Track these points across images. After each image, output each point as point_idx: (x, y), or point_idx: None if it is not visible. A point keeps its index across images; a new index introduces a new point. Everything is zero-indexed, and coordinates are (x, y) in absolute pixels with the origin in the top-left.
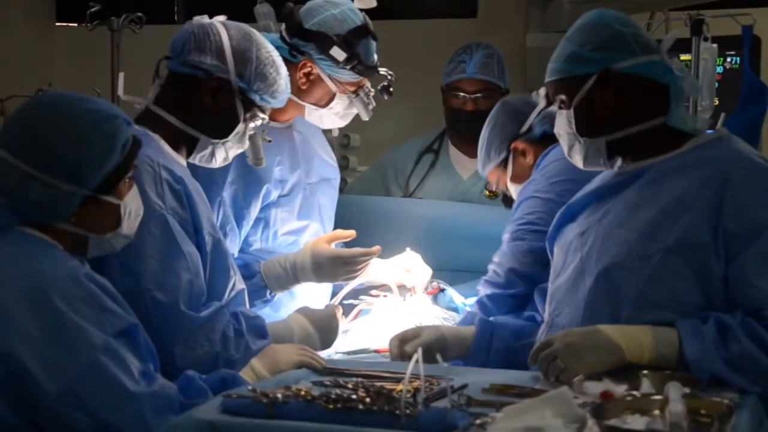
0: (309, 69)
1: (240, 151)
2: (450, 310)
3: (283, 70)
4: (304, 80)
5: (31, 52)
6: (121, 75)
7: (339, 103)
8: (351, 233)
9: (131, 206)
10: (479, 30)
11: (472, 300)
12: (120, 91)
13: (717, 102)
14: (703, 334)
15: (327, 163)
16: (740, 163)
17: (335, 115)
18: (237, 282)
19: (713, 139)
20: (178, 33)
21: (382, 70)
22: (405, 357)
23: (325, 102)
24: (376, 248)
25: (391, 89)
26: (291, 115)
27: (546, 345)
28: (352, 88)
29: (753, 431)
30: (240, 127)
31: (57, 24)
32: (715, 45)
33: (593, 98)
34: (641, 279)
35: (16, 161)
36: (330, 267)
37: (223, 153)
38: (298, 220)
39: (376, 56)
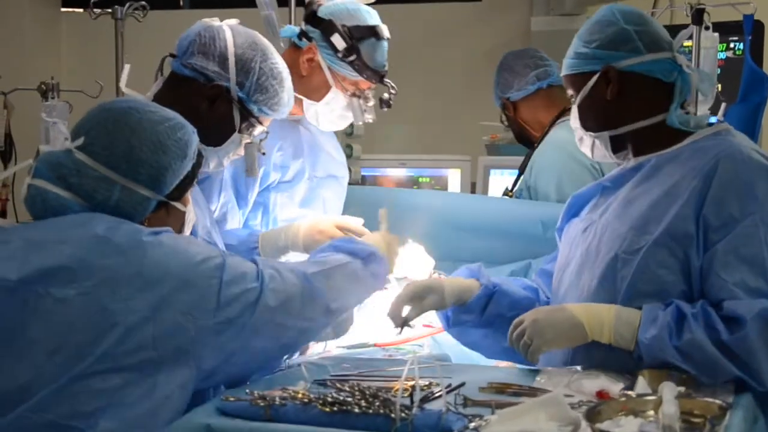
0: (312, 55)
1: (235, 158)
2: None
3: (288, 83)
4: (306, 66)
5: (36, 40)
6: (126, 67)
7: (335, 100)
8: (359, 225)
9: (191, 215)
10: (484, 14)
11: None
12: (122, 84)
13: (720, 88)
14: (659, 320)
15: (335, 160)
16: (729, 155)
17: (331, 113)
18: None
19: (711, 134)
20: (186, 32)
21: (386, 81)
22: (405, 322)
23: (321, 94)
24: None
25: (391, 102)
26: (295, 109)
27: (518, 323)
28: (351, 88)
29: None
30: (235, 136)
31: (62, 9)
32: (716, 34)
33: (595, 95)
34: (631, 270)
35: (95, 164)
36: (322, 240)
37: (216, 159)
38: (300, 209)
39: (384, 63)
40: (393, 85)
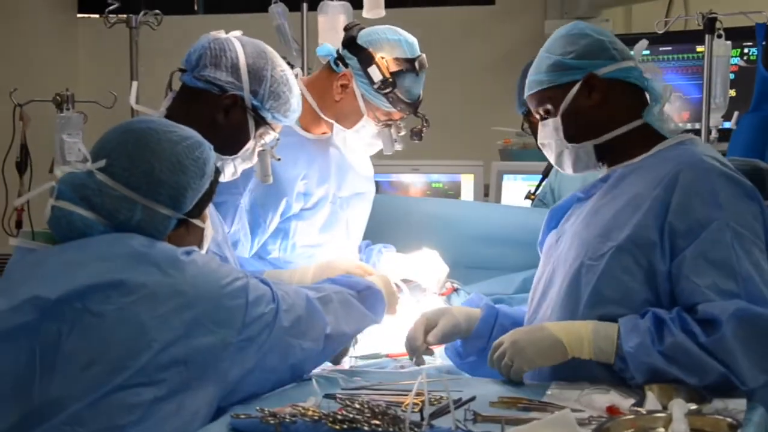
0: (347, 82)
1: (248, 166)
2: None
3: (296, 89)
4: (339, 91)
5: (52, 48)
6: (134, 84)
7: (365, 128)
8: (370, 271)
9: (209, 229)
10: (497, 18)
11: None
12: (132, 101)
13: (734, 94)
14: (640, 328)
15: (362, 177)
16: (691, 163)
17: (360, 141)
18: None
19: (676, 143)
20: (194, 46)
21: (419, 113)
22: (426, 349)
23: (353, 122)
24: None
25: (422, 134)
26: (324, 128)
27: (498, 345)
28: (383, 118)
29: None
30: (250, 144)
31: (78, 15)
32: (728, 42)
33: (579, 104)
34: (595, 276)
35: (117, 184)
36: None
37: (232, 168)
38: (320, 234)
39: (419, 94)
40: (426, 118)
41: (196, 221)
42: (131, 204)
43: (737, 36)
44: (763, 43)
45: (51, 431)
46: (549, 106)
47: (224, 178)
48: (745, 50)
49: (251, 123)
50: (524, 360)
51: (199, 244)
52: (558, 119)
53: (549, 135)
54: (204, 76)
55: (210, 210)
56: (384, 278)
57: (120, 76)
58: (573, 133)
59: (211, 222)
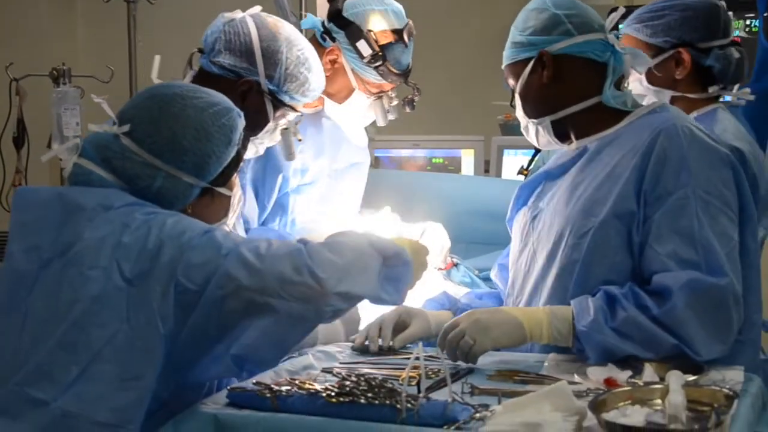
0: (335, 57)
1: (271, 144)
2: (463, 285)
3: (316, 66)
4: (328, 66)
5: (50, 23)
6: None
7: (357, 102)
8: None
9: (236, 197)
10: None
11: (486, 272)
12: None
13: None
14: (592, 306)
15: (356, 148)
16: (665, 129)
17: (353, 114)
18: None
19: (647, 112)
20: (210, 27)
21: (410, 82)
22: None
23: (344, 96)
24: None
25: (414, 102)
26: (317, 102)
27: (453, 326)
28: (375, 90)
29: (754, 419)
30: (270, 125)
31: None
32: (730, 13)
33: (532, 82)
34: (581, 253)
35: (140, 150)
36: None
37: (254, 148)
38: (319, 207)
39: (408, 63)
40: (417, 86)
41: (222, 189)
42: (153, 171)
43: (739, 7)
44: (765, 14)
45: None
46: (512, 82)
47: (247, 156)
48: (747, 22)
49: (269, 106)
50: (488, 338)
51: (226, 212)
52: (517, 95)
53: (517, 110)
54: (219, 62)
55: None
56: (415, 245)
57: (118, 51)
58: (530, 109)
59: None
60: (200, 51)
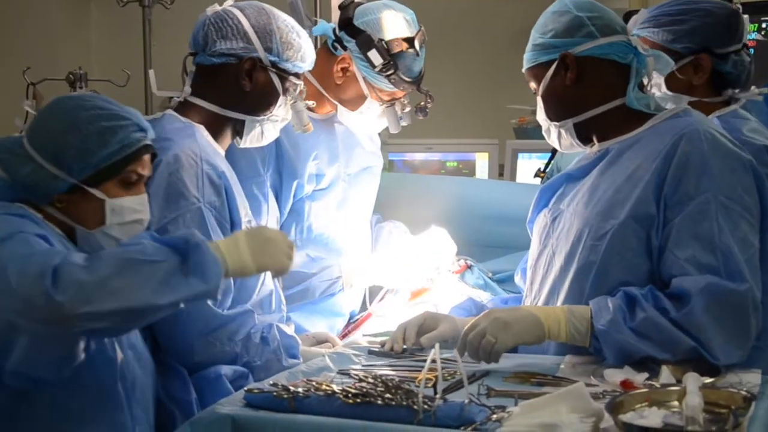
0: (347, 65)
1: (285, 122)
2: (477, 287)
3: (303, 32)
4: (340, 74)
5: (65, 28)
6: (151, 72)
7: (370, 109)
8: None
9: (123, 209)
10: None
11: (500, 275)
12: (153, 89)
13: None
14: (611, 306)
15: (369, 152)
16: (688, 134)
17: (366, 121)
18: (267, 280)
19: (671, 116)
20: (195, 26)
21: (423, 88)
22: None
23: (356, 104)
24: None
25: (427, 110)
26: (329, 108)
27: (472, 327)
28: (387, 98)
29: None
30: (281, 99)
31: None
32: (746, 16)
33: (555, 84)
34: (599, 255)
35: (26, 143)
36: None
37: (271, 128)
38: (335, 212)
39: (420, 70)
40: (430, 93)
41: (94, 191)
42: (26, 160)
43: (755, 10)
44: None
45: None
46: (534, 85)
47: (266, 141)
48: (763, 24)
49: (276, 79)
50: (510, 335)
51: (102, 219)
52: (539, 99)
53: (539, 113)
54: (217, 51)
55: (235, 182)
56: (251, 230)
57: (133, 55)
58: (552, 111)
59: (236, 197)
60: (192, 54)
